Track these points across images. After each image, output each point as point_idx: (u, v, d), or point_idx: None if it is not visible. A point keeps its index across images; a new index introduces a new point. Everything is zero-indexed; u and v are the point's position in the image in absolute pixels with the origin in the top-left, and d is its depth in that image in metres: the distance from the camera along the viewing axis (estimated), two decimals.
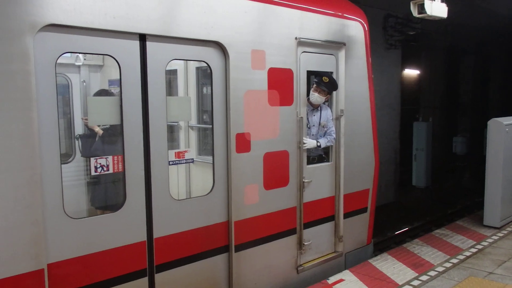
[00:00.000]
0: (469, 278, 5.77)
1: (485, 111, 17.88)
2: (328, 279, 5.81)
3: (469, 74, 18.12)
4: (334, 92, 6.13)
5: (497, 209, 7.88)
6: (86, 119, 5.44)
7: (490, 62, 18.54)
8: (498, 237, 7.46)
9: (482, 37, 16.36)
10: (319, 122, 6.03)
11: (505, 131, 7.76)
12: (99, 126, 5.10)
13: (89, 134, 5.42)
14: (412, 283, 5.65)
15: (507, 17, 14.25)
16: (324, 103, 6.07)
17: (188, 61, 5.90)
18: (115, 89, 6.32)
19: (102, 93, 5.68)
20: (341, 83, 6.14)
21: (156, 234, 4.33)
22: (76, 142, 5.79)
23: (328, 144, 6.05)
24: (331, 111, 6.18)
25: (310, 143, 5.78)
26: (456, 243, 7.19)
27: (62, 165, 3.80)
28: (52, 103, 3.64)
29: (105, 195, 5.16)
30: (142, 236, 4.24)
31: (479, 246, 7.00)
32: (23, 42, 3.40)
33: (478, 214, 8.65)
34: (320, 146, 5.92)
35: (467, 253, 6.69)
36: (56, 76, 3.68)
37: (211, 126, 4.82)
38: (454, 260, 6.40)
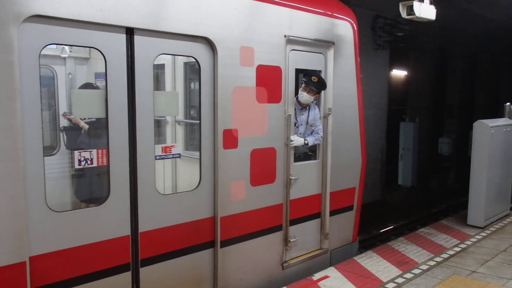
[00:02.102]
0: (452, 276, 5.84)
1: (471, 112, 18.09)
2: (313, 276, 5.83)
3: (456, 76, 18.33)
4: (322, 91, 6.14)
5: (481, 209, 7.98)
6: (70, 116, 5.40)
7: (477, 65, 18.77)
8: (481, 236, 7.56)
9: (470, 40, 16.54)
10: (307, 121, 6.05)
11: (490, 133, 7.85)
12: (83, 119, 5.05)
13: (74, 127, 5.37)
14: (396, 280, 5.70)
15: (495, 21, 14.44)
16: (312, 102, 6.09)
17: (176, 56, 5.87)
18: (101, 83, 6.25)
19: (87, 86, 5.63)
20: (330, 82, 6.16)
21: (142, 228, 4.31)
22: (61, 134, 5.72)
23: (316, 142, 6.07)
24: (319, 110, 6.19)
25: (297, 141, 5.79)
26: (440, 242, 7.27)
27: (46, 158, 3.75)
28: (35, 95, 3.58)
29: (90, 188, 5.11)
30: (127, 231, 4.21)
31: (463, 245, 7.08)
32: (7, 32, 3.35)
33: (462, 213, 8.76)
34: (307, 144, 5.93)
35: (451, 252, 6.77)
36: (40, 67, 3.62)
37: (198, 121, 4.80)
38: (438, 259, 6.47)
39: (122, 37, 4.06)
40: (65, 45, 5.41)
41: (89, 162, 4.03)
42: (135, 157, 4.21)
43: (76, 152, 4.01)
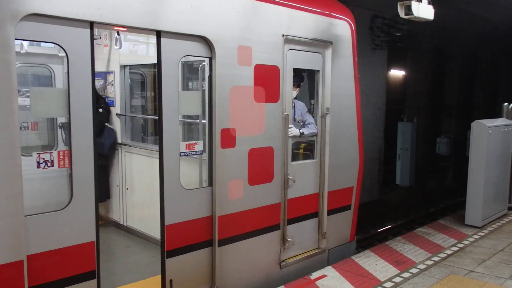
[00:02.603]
0: (450, 276, 5.86)
1: (470, 113, 18.13)
2: (311, 275, 5.84)
3: (455, 76, 18.37)
4: (320, 90, 6.16)
5: (478, 209, 8.00)
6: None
7: (476, 65, 18.80)
8: (479, 236, 7.57)
9: (469, 40, 16.57)
10: (294, 118, 6.07)
11: (488, 133, 7.87)
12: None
13: None
14: (394, 279, 5.71)
15: (495, 22, 14.48)
16: (295, 98, 6.11)
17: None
18: (98, 82, 6.25)
19: None
20: (327, 81, 6.17)
21: (168, 221, 4.47)
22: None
23: (311, 131, 6.09)
24: (312, 107, 6.21)
25: (294, 131, 5.82)
26: (438, 242, 7.28)
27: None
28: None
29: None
30: (92, 237, 4.04)
31: (460, 245, 7.09)
32: (4, 32, 3.35)
33: (460, 213, 8.76)
34: (303, 134, 5.97)
35: (449, 252, 6.78)
36: None
37: (210, 121, 4.86)
38: (436, 258, 6.48)
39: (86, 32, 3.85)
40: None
41: (49, 164, 3.81)
42: (162, 153, 4.36)
43: (34, 154, 3.79)
